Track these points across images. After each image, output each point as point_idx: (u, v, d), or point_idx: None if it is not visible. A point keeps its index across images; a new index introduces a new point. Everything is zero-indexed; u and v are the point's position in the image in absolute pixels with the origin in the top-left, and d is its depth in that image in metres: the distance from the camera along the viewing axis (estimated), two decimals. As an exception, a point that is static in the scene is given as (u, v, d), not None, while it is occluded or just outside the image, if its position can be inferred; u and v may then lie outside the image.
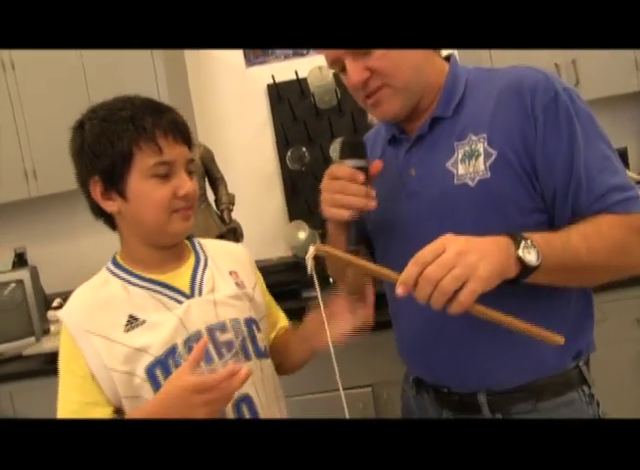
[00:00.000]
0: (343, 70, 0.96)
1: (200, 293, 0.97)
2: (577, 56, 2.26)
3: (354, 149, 0.97)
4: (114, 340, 0.90)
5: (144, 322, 0.91)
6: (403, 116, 0.99)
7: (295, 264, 2.50)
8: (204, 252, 1.05)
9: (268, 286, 1.18)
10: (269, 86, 2.60)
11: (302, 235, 2.39)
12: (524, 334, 0.76)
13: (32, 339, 2.15)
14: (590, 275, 0.90)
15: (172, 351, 0.90)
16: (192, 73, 2.66)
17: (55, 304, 2.04)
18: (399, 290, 0.75)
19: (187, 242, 1.06)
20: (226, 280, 1.02)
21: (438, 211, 0.95)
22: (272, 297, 1.19)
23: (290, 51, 2.63)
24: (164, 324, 0.92)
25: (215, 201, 2.21)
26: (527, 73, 0.92)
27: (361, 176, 0.92)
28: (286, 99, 2.57)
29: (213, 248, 1.08)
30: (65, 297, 2.07)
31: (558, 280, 0.88)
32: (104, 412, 0.89)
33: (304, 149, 2.51)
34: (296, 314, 2.21)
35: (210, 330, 0.94)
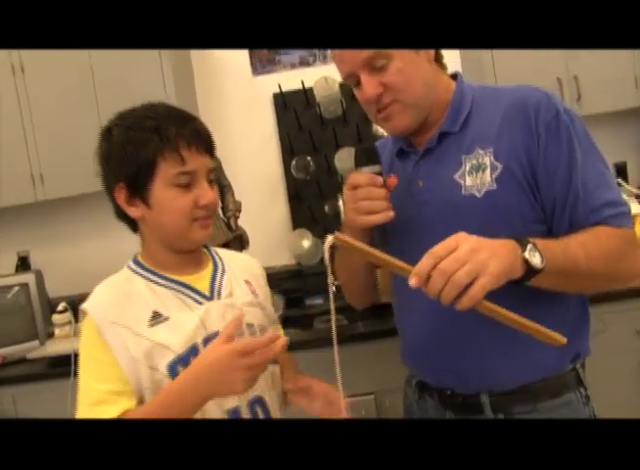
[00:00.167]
0: (358, 84, 1.03)
1: (219, 296, 1.02)
2: (579, 71, 2.33)
3: (368, 156, 1.03)
4: (139, 333, 0.94)
5: (167, 319, 0.96)
6: (412, 129, 1.06)
7: (298, 272, 2.55)
8: (220, 259, 1.10)
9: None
10: (275, 95, 2.66)
11: (306, 243, 2.45)
12: (528, 332, 0.80)
13: (36, 342, 2.19)
14: (587, 281, 0.97)
15: (193, 349, 0.94)
16: (199, 81, 2.71)
17: (60, 308, 2.07)
18: (412, 281, 0.79)
19: (205, 249, 1.11)
20: (242, 287, 1.07)
21: (446, 220, 1.00)
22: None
23: (296, 61, 2.70)
24: (186, 323, 0.96)
25: (222, 208, 2.26)
26: (531, 93, 1.01)
27: (380, 180, 0.99)
28: (292, 108, 2.63)
29: (229, 257, 1.13)
30: (69, 300, 2.11)
31: (558, 284, 0.94)
32: (129, 403, 0.91)
33: (309, 158, 2.57)
34: (298, 322, 2.26)
35: None
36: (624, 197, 2.27)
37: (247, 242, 2.16)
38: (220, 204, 2.28)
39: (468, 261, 0.78)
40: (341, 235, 0.86)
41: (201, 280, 1.03)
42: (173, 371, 0.93)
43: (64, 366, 1.98)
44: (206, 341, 0.95)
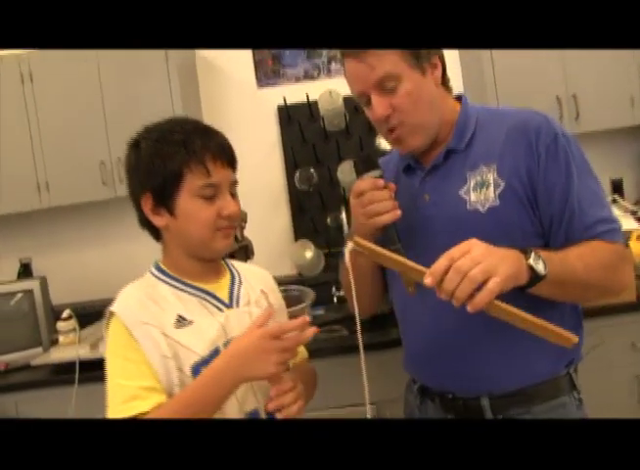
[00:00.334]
0: (368, 103, 1.11)
1: (237, 304, 1.08)
2: (578, 90, 2.43)
3: (366, 163, 1.11)
4: (166, 334, 0.99)
5: (191, 323, 1.01)
6: (423, 149, 1.14)
7: (300, 283, 2.60)
8: (237, 270, 1.16)
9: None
10: (280, 108, 2.74)
11: (309, 254, 2.51)
12: (539, 332, 0.86)
13: (40, 349, 2.23)
14: (584, 291, 1.05)
15: (215, 352, 1.00)
16: (204, 92, 2.79)
17: (64, 315, 2.10)
18: (427, 280, 0.86)
19: (221, 261, 1.16)
20: (258, 297, 1.13)
21: (451, 234, 1.07)
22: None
23: (301, 74, 2.78)
24: (209, 328, 1.02)
25: (227, 218, 2.31)
26: (532, 116, 1.10)
27: (381, 182, 1.06)
28: (296, 121, 2.71)
29: (244, 268, 1.19)
30: (73, 308, 2.15)
31: (557, 293, 1.02)
32: (160, 398, 0.95)
33: (312, 170, 2.63)
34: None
35: None
36: (620, 212, 2.36)
37: (252, 252, 2.22)
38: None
39: (482, 262, 0.85)
40: (360, 240, 0.93)
41: (220, 288, 1.09)
42: (197, 373, 0.98)
43: (67, 373, 2.03)
44: (227, 345, 1.01)
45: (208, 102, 2.78)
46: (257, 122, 2.76)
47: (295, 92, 2.73)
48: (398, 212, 1.05)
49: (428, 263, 0.93)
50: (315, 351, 1.99)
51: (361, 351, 0.97)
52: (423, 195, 1.14)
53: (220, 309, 1.06)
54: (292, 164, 2.71)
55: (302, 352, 1.25)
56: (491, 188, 1.07)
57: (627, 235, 2.31)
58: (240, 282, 1.13)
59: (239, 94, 2.78)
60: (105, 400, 2.00)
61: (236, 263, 1.20)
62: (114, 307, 1.01)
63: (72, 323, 2.10)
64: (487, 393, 1.10)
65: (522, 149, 1.07)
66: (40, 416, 1.98)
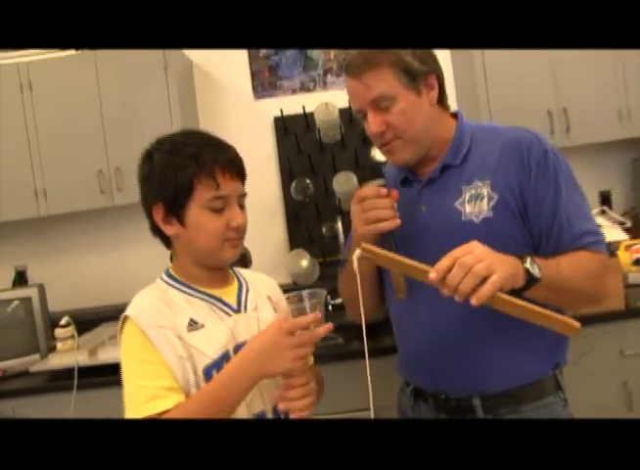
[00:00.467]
0: (365, 117, 1.19)
1: (245, 309, 1.13)
2: (568, 104, 2.53)
3: (372, 172, 1.18)
4: (181, 336, 1.03)
5: (203, 326, 1.06)
6: (413, 163, 1.22)
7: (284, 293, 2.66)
8: (243, 277, 1.21)
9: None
10: (276, 119, 2.81)
11: (304, 263, 2.57)
12: (542, 322, 0.93)
13: (37, 356, 2.26)
14: (572, 296, 1.13)
15: (225, 355, 1.05)
16: (201, 102, 2.86)
17: (63, 322, 2.14)
18: (432, 275, 0.93)
19: (228, 268, 1.21)
20: (265, 303, 1.18)
21: (447, 243, 1.13)
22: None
23: (297, 86, 2.86)
24: (219, 332, 1.07)
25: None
26: (524, 134, 1.19)
27: (384, 190, 1.13)
28: (292, 132, 2.78)
29: (250, 276, 1.24)
30: (70, 315, 2.19)
31: (550, 297, 1.08)
32: (179, 397, 0.99)
33: (308, 181, 2.70)
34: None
35: None
36: (609, 223, 2.45)
37: (250, 261, 2.27)
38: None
39: (484, 260, 0.92)
40: (366, 246, 1.00)
41: (228, 294, 1.14)
42: (209, 374, 1.02)
43: (65, 380, 2.07)
44: (236, 349, 1.06)
45: (205, 112, 2.85)
46: (254, 133, 2.82)
47: (291, 104, 2.80)
48: (398, 221, 1.11)
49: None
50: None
51: (366, 356, 1.05)
52: (420, 205, 1.22)
53: (229, 314, 1.10)
54: (287, 174, 2.78)
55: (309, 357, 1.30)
56: (485, 201, 1.15)
57: (616, 245, 2.40)
58: (247, 288, 1.17)
59: (236, 105, 2.85)
60: (103, 405, 2.05)
61: (242, 271, 1.24)
62: (128, 312, 1.05)
63: (71, 330, 2.13)
64: (479, 393, 1.18)
65: (514, 164, 1.15)
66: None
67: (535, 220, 1.14)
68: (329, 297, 2.55)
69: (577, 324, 0.90)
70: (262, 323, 1.11)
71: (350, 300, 1.35)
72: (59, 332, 2.14)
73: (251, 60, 2.86)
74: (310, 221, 2.76)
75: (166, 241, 1.14)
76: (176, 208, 1.06)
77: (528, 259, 1.00)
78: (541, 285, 1.01)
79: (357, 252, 1.01)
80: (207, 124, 2.80)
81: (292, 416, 1.04)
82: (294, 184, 2.72)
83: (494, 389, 1.17)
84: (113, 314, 2.64)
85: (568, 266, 1.08)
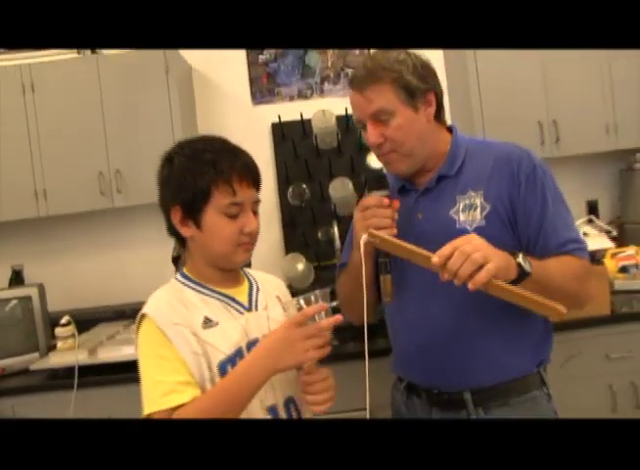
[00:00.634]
0: (365, 128, 1.29)
1: (256, 308, 1.20)
2: (558, 116, 2.64)
3: (378, 182, 1.26)
4: (196, 333, 1.09)
5: (217, 324, 1.12)
6: (409, 174, 1.32)
7: (292, 295, 2.72)
8: (253, 278, 1.28)
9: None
10: (274, 125, 2.89)
11: (300, 266, 2.64)
12: (531, 306, 1.02)
13: (36, 354, 2.30)
14: (558, 296, 1.18)
15: (238, 352, 1.11)
16: (200, 107, 2.93)
17: (63, 321, 2.18)
18: (434, 260, 1.03)
19: (239, 269, 1.28)
20: (274, 302, 1.24)
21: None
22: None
23: (295, 93, 2.94)
24: (233, 329, 1.13)
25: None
26: (515, 150, 1.31)
27: (386, 201, 1.22)
28: (289, 138, 2.86)
29: (259, 276, 1.30)
30: (71, 314, 2.24)
31: (538, 293, 1.16)
32: (195, 392, 1.04)
33: (305, 186, 2.77)
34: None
35: None
36: (595, 232, 2.55)
37: (249, 265, 2.33)
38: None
39: (481, 250, 1.03)
40: (373, 231, 1.10)
41: (240, 293, 1.20)
42: (223, 370, 1.08)
43: (65, 378, 2.12)
44: (249, 345, 1.12)
45: (204, 117, 2.92)
46: (252, 138, 2.86)
47: (288, 110, 2.88)
48: (394, 231, 1.19)
49: (419, 274, 1.16)
50: (307, 359, 2.12)
51: (366, 355, 1.13)
52: (416, 213, 1.31)
53: (241, 313, 1.16)
54: (284, 179, 2.85)
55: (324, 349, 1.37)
56: (478, 210, 1.25)
57: (602, 253, 2.50)
58: (257, 288, 1.24)
59: (234, 110, 2.92)
60: (102, 404, 2.10)
61: (252, 272, 1.30)
62: (145, 310, 1.10)
63: (71, 329, 2.18)
64: (469, 388, 1.27)
65: (505, 177, 1.26)
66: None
67: (524, 229, 1.24)
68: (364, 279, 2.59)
69: (563, 308, 0.99)
70: (272, 322, 1.17)
71: (348, 301, 1.42)
72: (59, 331, 2.18)
73: (250, 66, 2.94)
74: (306, 226, 2.83)
75: (182, 241, 1.20)
76: (193, 211, 1.12)
77: (520, 255, 1.11)
78: (531, 280, 1.11)
79: (364, 237, 1.11)
80: (206, 129, 2.87)
81: (314, 410, 1.11)
82: (290, 189, 2.79)
83: (484, 384, 1.27)
84: (110, 315, 2.71)
85: (555, 267, 1.18)
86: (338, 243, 2.45)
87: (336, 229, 2.45)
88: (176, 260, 2.15)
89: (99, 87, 2.55)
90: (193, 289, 1.16)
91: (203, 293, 1.16)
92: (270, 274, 1.34)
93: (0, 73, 2.53)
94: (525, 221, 1.24)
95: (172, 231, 1.19)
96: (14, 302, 2.37)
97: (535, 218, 1.24)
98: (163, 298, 1.14)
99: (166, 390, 1.04)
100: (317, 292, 1.09)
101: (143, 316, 1.11)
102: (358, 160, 2.82)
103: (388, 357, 1.44)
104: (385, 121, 1.24)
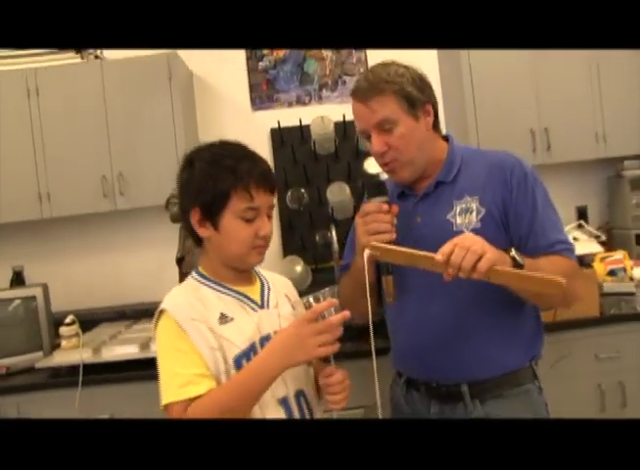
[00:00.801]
0: (368, 138, 1.37)
1: (268, 306, 1.26)
2: (550, 124, 2.75)
3: (377, 189, 1.34)
4: (212, 329, 1.14)
5: (232, 320, 1.18)
6: (411, 180, 1.41)
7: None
8: (265, 277, 1.34)
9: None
10: (273, 130, 2.97)
11: (299, 268, 2.72)
12: (534, 285, 1.12)
13: (40, 353, 2.36)
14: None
15: (252, 346, 1.18)
16: (200, 113, 3.01)
17: (67, 320, 2.24)
18: (439, 257, 1.12)
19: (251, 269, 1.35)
20: (284, 301, 1.31)
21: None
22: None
23: (293, 99, 3.03)
24: (247, 325, 1.19)
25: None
26: (508, 158, 1.40)
27: (385, 207, 1.30)
28: (288, 143, 2.94)
29: (269, 276, 1.37)
30: (78, 313, 2.30)
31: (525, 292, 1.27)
32: (211, 384, 1.11)
33: (303, 190, 2.85)
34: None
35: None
36: (585, 237, 2.65)
37: (250, 265, 2.40)
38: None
39: (478, 242, 1.13)
40: (374, 243, 1.18)
41: (253, 292, 1.26)
42: (238, 363, 1.14)
43: (69, 376, 2.19)
44: (262, 341, 1.18)
45: (205, 122, 3.00)
46: (251, 144, 2.85)
47: (287, 116, 2.97)
48: (394, 236, 1.27)
49: (419, 276, 1.25)
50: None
51: (373, 356, 1.19)
52: (415, 217, 1.39)
53: (254, 310, 1.22)
54: (283, 184, 2.92)
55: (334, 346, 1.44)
56: (474, 214, 1.34)
57: (591, 257, 2.60)
58: (268, 288, 1.30)
59: (234, 116, 3.00)
60: (105, 402, 2.16)
61: (263, 271, 1.35)
62: (164, 306, 1.16)
63: (75, 328, 2.24)
64: (467, 381, 1.36)
65: (499, 184, 1.35)
66: (41, 417, 2.11)
67: (515, 231, 1.33)
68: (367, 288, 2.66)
69: (562, 279, 1.08)
70: (282, 319, 1.24)
71: (350, 302, 1.48)
72: (64, 330, 2.24)
73: (250, 73, 3.03)
74: (304, 229, 2.91)
75: (199, 241, 1.26)
76: (212, 213, 1.18)
77: (513, 249, 1.21)
78: None
79: (366, 252, 1.18)
80: (206, 134, 2.94)
81: (332, 408, 1.19)
82: (289, 193, 2.87)
83: (480, 377, 1.35)
84: (110, 316, 2.77)
85: (545, 265, 1.26)
86: (335, 246, 2.51)
87: (334, 232, 2.52)
88: (180, 262, 2.21)
89: (102, 92, 2.63)
90: (209, 286, 1.22)
91: (218, 290, 1.22)
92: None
93: (5, 78, 2.61)
94: (516, 224, 1.33)
95: (190, 231, 1.25)
96: (17, 301, 2.42)
97: (526, 222, 1.33)
98: (182, 295, 1.21)
99: (184, 381, 1.10)
100: (326, 290, 1.15)
101: (162, 312, 1.17)
102: (355, 165, 2.91)
103: (387, 356, 1.51)
104: (388, 130, 1.32)
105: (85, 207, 2.64)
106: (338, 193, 2.75)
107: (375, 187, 1.34)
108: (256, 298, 1.26)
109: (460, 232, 1.31)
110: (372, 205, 1.30)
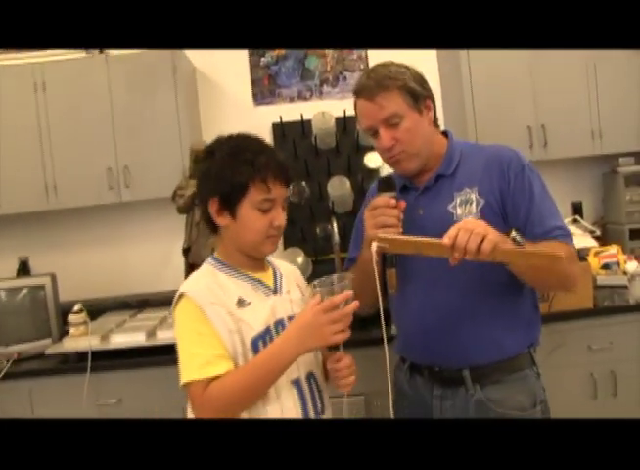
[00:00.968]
0: (375, 134, 1.44)
1: (280, 292, 1.33)
2: (546, 121, 2.83)
3: (387, 184, 1.42)
4: (231, 312, 1.21)
5: (249, 304, 1.25)
6: (416, 172, 1.48)
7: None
8: (275, 265, 1.41)
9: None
10: (274, 125, 3.05)
11: (300, 260, 2.79)
12: (535, 260, 1.20)
13: (49, 340, 2.44)
14: (547, 275, 1.37)
15: (268, 329, 1.25)
16: (202, 107, 3.08)
17: (76, 309, 2.32)
18: (446, 240, 1.17)
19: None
20: (294, 287, 1.39)
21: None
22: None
23: (295, 94, 3.11)
24: (263, 309, 1.26)
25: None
26: (505, 151, 1.48)
27: (393, 201, 1.37)
28: (289, 138, 3.01)
29: (280, 264, 1.44)
30: (83, 303, 2.38)
31: (528, 273, 1.35)
32: (229, 365, 1.17)
33: (304, 184, 2.92)
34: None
35: (290, 318, 1.30)
36: (580, 232, 2.73)
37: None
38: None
39: (481, 225, 1.19)
40: (382, 235, 1.24)
41: (267, 278, 1.33)
42: (255, 345, 1.22)
43: (78, 362, 2.28)
44: (276, 324, 1.26)
45: (207, 116, 3.07)
46: None
47: (288, 111, 3.04)
48: (400, 229, 1.34)
49: (421, 265, 1.33)
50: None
51: (385, 343, 1.26)
52: (417, 210, 1.47)
53: (268, 295, 1.30)
54: (285, 177, 2.98)
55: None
56: (474, 204, 1.41)
57: (586, 252, 2.69)
58: (280, 274, 1.37)
59: (236, 110, 3.07)
60: (113, 387, 2.24)
61: (274, 260, 1.42)
62: (184, 289, 1.23)
63: (83, 316, 2.32)
64: (469, 366, 1.43)
65: (496, 175, 1.42)
66: (52, 401, 2.24)
67: (513, 220, 1.39)
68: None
69: (561, 253, 1.17)
70: (294, 304, 1.32)
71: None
72: (72, 318, 2.32)
73: (252, 68, 3.10)
74: (305, 222, 2.99)
75: (215, 229, 1.33)
76: (230, 203, 1.25)
77: (513, 231, 1.28)
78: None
79: (374, 245, 1.25)
80: (209, 128, 3.03)
81: (341, 389, 1.28)
82: (291, 187, 2.91)
83: (480, 362, 1.43)
84: (115, 306, 2.84)
85: (544, 247, 1.32)
86: (335, 238, 2.57)
87: (334, 225, 2.58)
88: (186, 252, 2.29)
89: (108, 86, 2.69)
90: (225, 272, 1.29)
91: (234, 276, 1.29)
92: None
93: (12, 72, 2.67)
94: (514, 214, 1.39)
95: (207, 219, 1.31)
96: (25, 290, 2.50)
97: (523, 212, 1.39)
98: (201, 280, 1.28)
99: (203, 362, 1.17)
100: (334, 276, 1.22)
101: (181, 295, 1.23)
102: (355, 159, 2.98)
103: (390, 344, 1.56)
104: (395, 125, 1.39)
105: (91, 198, 2.71)
106: (338, 187, 2.82)
107: (383, 182, 1.41)
108: (270, 283, 1.32)
109: None
110: (380, 199, 1.36)
